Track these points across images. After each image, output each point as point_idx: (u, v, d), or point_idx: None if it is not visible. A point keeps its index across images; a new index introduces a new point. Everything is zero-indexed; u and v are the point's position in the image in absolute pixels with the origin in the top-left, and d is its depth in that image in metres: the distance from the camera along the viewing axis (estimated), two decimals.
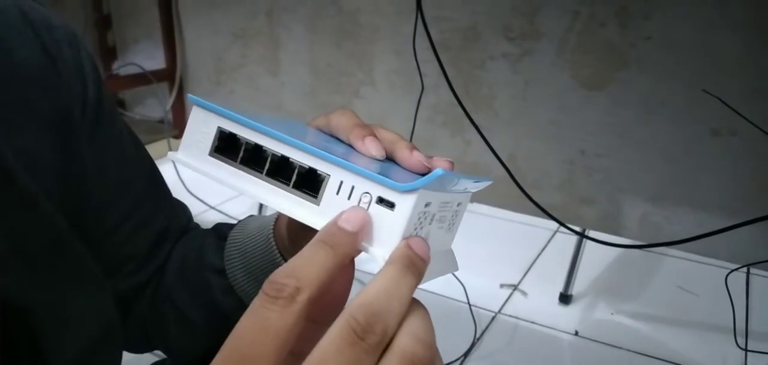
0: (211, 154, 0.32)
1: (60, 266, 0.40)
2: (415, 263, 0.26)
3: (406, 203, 0.28)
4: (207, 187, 1.82)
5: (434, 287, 1.44)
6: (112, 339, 0.43)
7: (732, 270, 1.03)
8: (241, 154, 0.31)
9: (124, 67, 1.83)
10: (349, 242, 0.27)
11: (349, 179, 0.29)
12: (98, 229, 0.46)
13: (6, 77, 0.39)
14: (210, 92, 1.65)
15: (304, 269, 0.25)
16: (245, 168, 0.31)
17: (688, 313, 1.38)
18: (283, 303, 0.24)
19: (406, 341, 0.24)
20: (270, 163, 0.31)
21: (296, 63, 1.48)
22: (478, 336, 1.29)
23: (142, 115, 1.87)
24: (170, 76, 1.70)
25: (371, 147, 0.32)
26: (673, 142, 1.08)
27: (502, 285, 1.48)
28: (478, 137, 1.08)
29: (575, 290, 1.42)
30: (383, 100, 1.37)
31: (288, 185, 0.30)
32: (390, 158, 0.33)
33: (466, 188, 0.34)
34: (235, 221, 0.49)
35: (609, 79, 1.11)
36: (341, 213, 0.28)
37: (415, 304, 0.26)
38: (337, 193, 0.29)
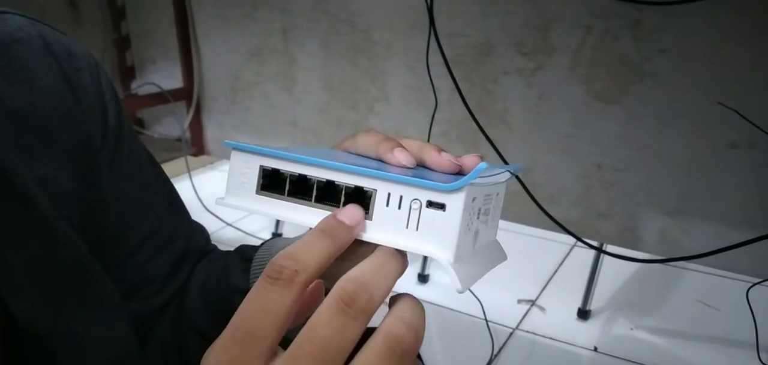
0: (258, 192, 0.33)
1: (79, 291, 0.40)
2: (395, 254, 0.29)
3: (456, 202, 0.29)
4: None
5: (450, 302, 1.44)
6: (129, 364, 0.44)
7: (754, 284, 1.01)
8: (287, 187, 0.32)
9: (142, 86, 1.86)
10: (346, 234, 0.29)
11: (396, 190, 0.30)
12: (118, 252, 0.46)
13: (28, 106, 0.39)
14: (226, 109, 1.67)
15: (303, 254, 0.27)
16: (294, 199, 0.32)
17: (709, 328, 1.35)
18: (282, 284, 0.26)
19: (391, 322, 0.26)
20: (316, 190, 0.32)
21: (311, 80, 1.49)
22: (495, 352, 1.28)
23: (160, 133, 1.90)
24: (188, 94, 1.72)
25: (400, 157, 0.33)
26: (690, 155, 1.07)
27: (519, 301, 1.47)
28: (493, 151, 1.08)
29: (594, 305, 1.40)
30: (397, 115, 1.38)
31: (338, 207, 0.31)
32: (421, 165, 0.34)
33: (504, 177, 0.35)
34: (252, 238, 0.49)
35: (624, 93, 1.10)
36: (342, 209, 0.30)
37: (407, 296, 0.28)
38: (387, 205, 0.30)
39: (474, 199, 0.30)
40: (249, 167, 0.33)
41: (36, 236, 0.38)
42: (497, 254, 0.36)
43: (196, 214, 0.56)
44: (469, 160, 0.33)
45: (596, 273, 1.38)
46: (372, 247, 0.37)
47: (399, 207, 0.30)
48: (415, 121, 1.33)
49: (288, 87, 1.54)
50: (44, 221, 0.38)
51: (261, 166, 0.33)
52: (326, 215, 0.31)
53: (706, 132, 1.04)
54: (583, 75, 1.13)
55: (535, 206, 1.03)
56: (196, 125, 1.75)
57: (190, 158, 1.74)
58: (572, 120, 1.17)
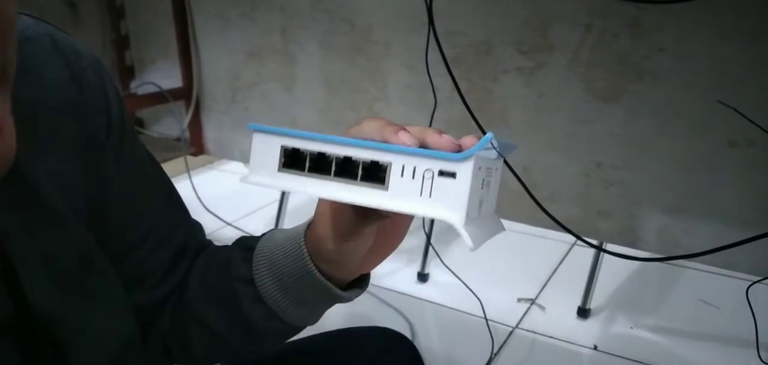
0: (280, 170, 0.36)
1: (87, 282, 0.41)
2: None
3: (465, 169, 0.32)
4: (223, 204, 1.83)
5: (450, 301, 1.44)
6: (133, 355, 0.44)
7: (753, 282, 1.01)
8: (307, 164, 0.36)
9: (141, 86, 1.86)
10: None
11: (410, 162, 0.33)
12: (121, 245, 0.47)
13: (38, 102, 0.40)
14: (225, 109, 1.67)
15: None
16: (314, 175, 0.36)
17: (709, 327, 1.35)
18: None
19: None
20: (335, 165, 0.35)
21: (310, 79, 1.49)
22: (495, 351, 1.28)
23: (160, 133, 1.90)
24: (187, 94, 1.72)
25: (404, 138, 0.35)
26: (690, 153, 1.07)
27: (519, 300, 1.47)
28: None
29: (593, 304, 1.40)
30: (397, 115, 1.38)
31: (355, 180, 0.34)
32: (423, 147, 0.36)
33: (503, 152, 0.38)
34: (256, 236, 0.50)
35: (623, 91, 1.10)
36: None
37: None
38: (402, 176, 0.34)
39: (480, 168, 0.33)
40: (271, 147, 0.36)
41: (45, 228, 0.39)
42: (497, 225, 0.39)
43: (196, 213, 0.57)
44: (467, 140, 0.35)
45: (596, 272, 1.38)
46: (375, 227, 0.39)
47: (413, 177, 0.33)
48: (415, 120, 1.32)
49: (287, 87, 1.54)
50: (53, 214, 0.39)
51: (282, 146, 0.36)
52: (344, 186, 0.34)
53: (705, 131, 1.04)
54: (582, 74, 1.13)
55: (534, 204, 1.03)
56: (196, 125, 1.75)
57: (190, 158, 1.74)
58: (571, 119, 1.17)
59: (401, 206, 0.33)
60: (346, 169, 0.35)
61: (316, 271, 0.43)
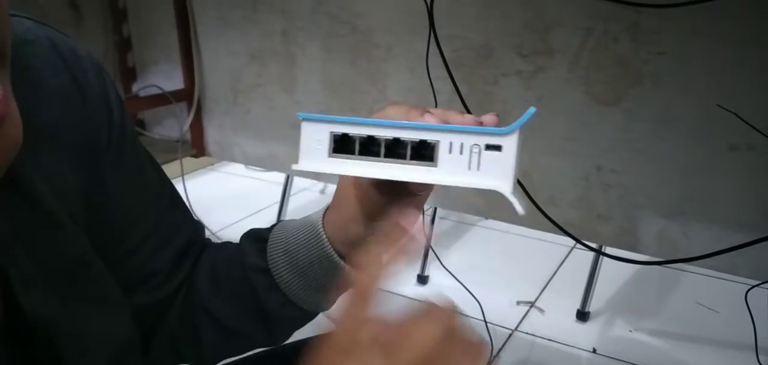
0: (330, 155, 0.38)
1: (83, 286, 0.41)
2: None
3: (511, 142, 0.35)
4: (223, 206, 1.84)
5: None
6: (131, 359, 0.44)
7: (752, 286, 1.01)
8: (357, 147, 0.37)
9: (143, 88, 1.87)
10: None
11: (457, 139, 0.36)
12: (120, 248, 0.47)
13: (37, 105, 0.40)
14: (227, 111, 1.68)
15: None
16: (364, 157, 0.37)
17: (708, 330, 1.35)
18: None
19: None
20: (384, 147, 0.37)
21: (311, 82, 1.50)
22: (494, 354, 1.28)
23: (161, 134, 1.90)
24: (189, 96, 1.72)
25: (430, 120, 0.37)
26: (690, 157, 1.07)
27: (518, 302, 1.47)
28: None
29: (593, 307, 1.41)
30: None
31: (405, 158, 0.37)
32: None
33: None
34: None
35: (623, 95, 1.10)
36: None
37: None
38: (450, 152, 0.36)
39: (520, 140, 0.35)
40: (320, 134, 0.38)
41: (41, 232, 0.39)
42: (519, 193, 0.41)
43: (208, 212, 0.57)
44: (487, 118, 0.37)
45: (595, 275, 1.38)
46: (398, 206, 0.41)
47: (461, 153, 0.35)
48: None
49: (289, 89, 1.54)
50: (49, 218, 0.39)
51: (331, 132, 0.38)
52: (395, 167, 0.37)
53: (704, 134, 1.05)
54: (582, 77, 1.13)
55: (533, 207, 1.03)
56: (197, 127, 1.75)
57: (191, 160, 1.75)
58: (571, 122, 1.17)
59: (452, 180, 0.36)
60: (394, 149, 0.37)
61: (335, 255, 0.45)
